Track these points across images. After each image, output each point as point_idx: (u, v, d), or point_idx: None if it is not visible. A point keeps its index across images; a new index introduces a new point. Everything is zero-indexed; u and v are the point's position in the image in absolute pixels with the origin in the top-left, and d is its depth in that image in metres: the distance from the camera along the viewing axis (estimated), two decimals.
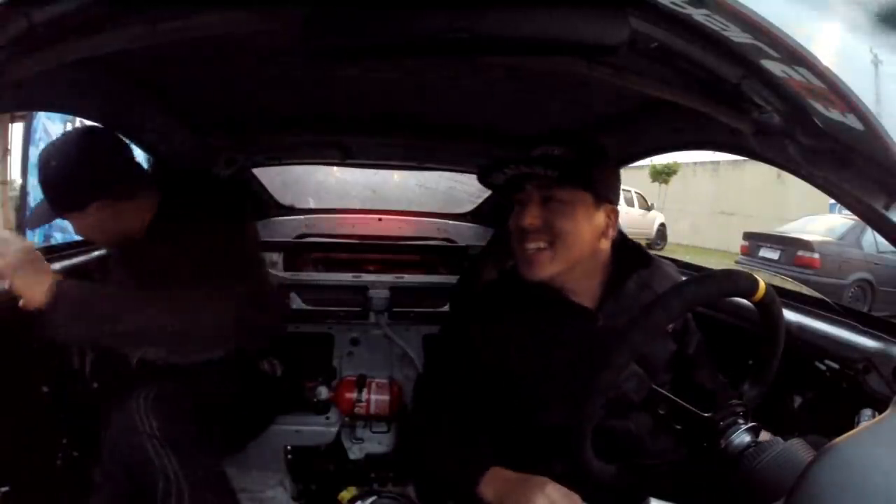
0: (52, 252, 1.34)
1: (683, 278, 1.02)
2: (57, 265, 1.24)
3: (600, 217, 0.94)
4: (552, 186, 0.91)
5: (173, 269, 1.13)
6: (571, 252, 0.92)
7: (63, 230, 4.61)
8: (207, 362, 1.23)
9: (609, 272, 0.99)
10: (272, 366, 1.38)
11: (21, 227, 5.41)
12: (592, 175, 0.93)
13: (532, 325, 0.94)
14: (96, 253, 1.42)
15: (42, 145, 5.13)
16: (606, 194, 0.95)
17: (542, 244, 0.92)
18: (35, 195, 5.19)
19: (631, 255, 1.01)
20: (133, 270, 1.24)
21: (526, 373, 0.92)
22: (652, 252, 1.08)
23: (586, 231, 0.93)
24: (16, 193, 6.04)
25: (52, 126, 5.06)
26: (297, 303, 1.73)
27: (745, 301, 0.74)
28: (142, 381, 1.12)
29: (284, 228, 1.95)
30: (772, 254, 7.45)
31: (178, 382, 1.14)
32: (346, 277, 1.76)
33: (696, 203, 13.90)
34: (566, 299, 0.96)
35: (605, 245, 0.97)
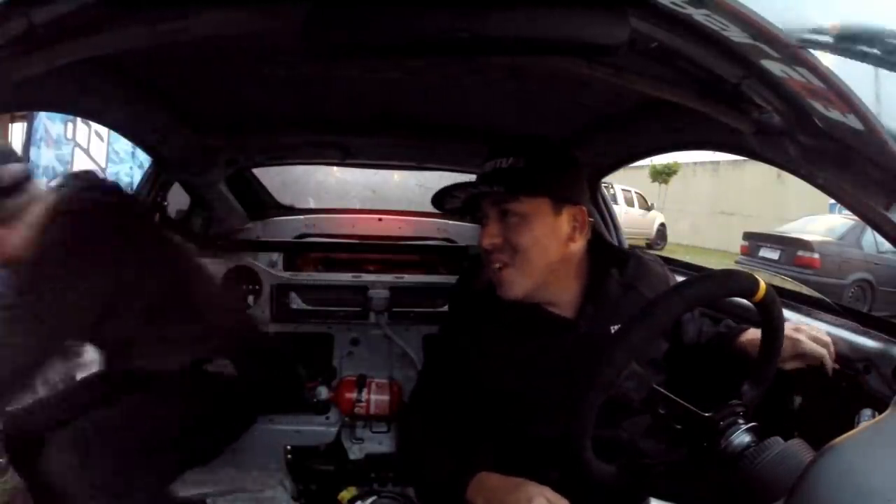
0: None
1: (671, 275, 1.02)
2: None
3: (563, 222, 0.91)
4: (506, 200, 0.89)
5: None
6: (537, 266, 0.90)
7: None
8: (139, 383, 1.20)
9: (587, 276, 0.96)
10: (219, 366, 1.31)
11: None
12: (545, 180, 0.90)
13: (514, 342, 0.93)
14: None
15: (42, 145, 5.14)
16: (566, 197, 0.91)
17: (505, 260, 0.90)
18: None
19: (607, 256, 0.98)
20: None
21: (512, 387, 0.91)
22: (651, 252, 1.08)
23: (549, 241, 0.90)
24: None
25: (52, 126, 5.05)
26: (297, 303, 1.73)
27: (745, 301, 0.73)
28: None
29: (284, 228, 1.94)
30: (772, 254, 7.46)
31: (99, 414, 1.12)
32: (346, 277, 1.75)
33: (696, 203, 13.90)
34: (545, 313, 0.94)
35: (576, 249, 0.93)
